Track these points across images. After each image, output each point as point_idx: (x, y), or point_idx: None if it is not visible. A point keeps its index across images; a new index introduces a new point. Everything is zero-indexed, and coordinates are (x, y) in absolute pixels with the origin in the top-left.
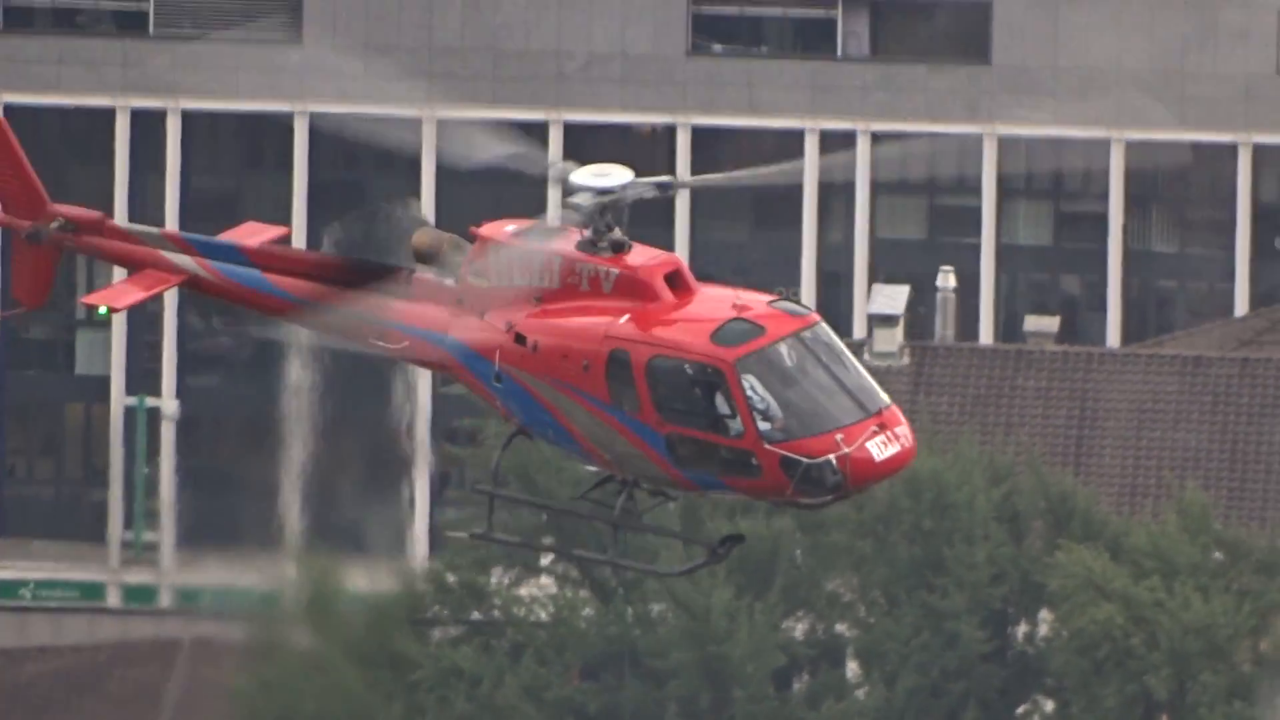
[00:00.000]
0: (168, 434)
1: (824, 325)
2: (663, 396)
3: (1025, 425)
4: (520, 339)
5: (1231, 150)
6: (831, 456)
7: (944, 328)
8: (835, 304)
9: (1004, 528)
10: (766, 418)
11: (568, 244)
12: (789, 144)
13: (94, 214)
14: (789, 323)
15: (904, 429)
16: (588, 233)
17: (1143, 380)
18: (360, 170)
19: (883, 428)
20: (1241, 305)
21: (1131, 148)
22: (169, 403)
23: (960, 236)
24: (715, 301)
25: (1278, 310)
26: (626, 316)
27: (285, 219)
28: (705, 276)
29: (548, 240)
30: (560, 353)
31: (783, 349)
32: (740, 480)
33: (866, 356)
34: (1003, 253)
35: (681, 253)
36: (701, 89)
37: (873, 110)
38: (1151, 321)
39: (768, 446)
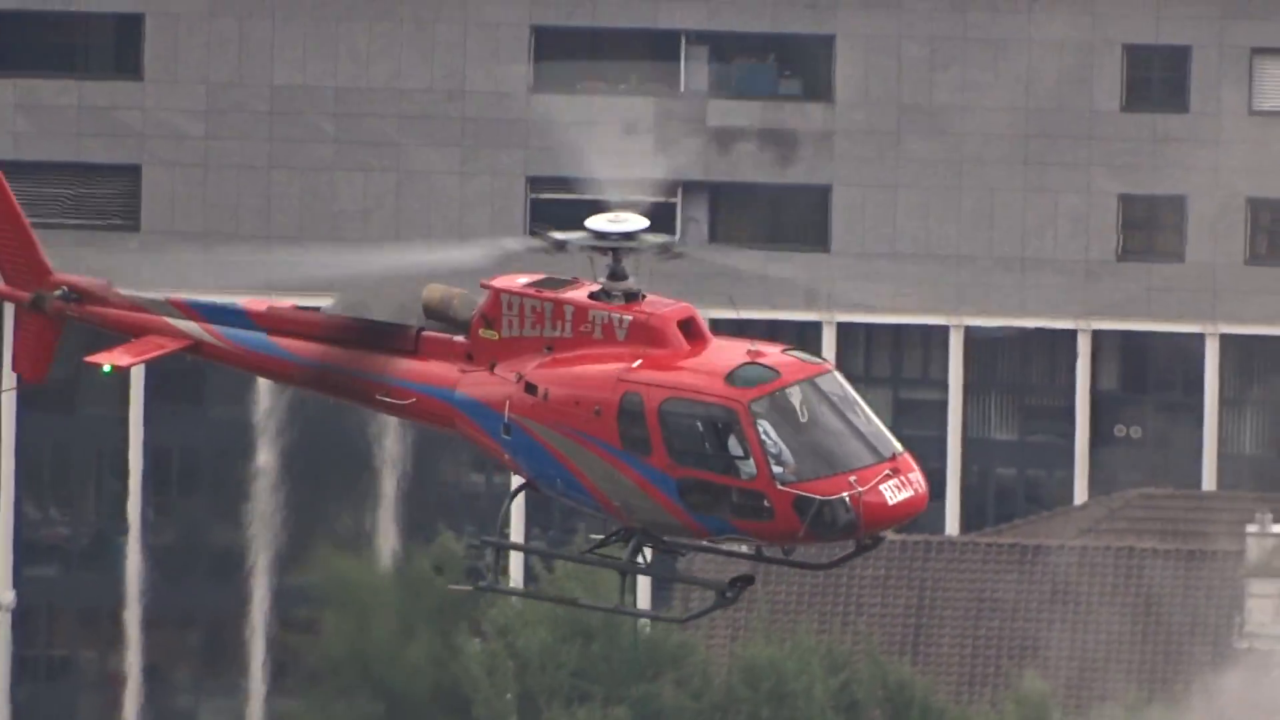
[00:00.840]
0: (2, 624)
1: (837, 374)
2: (675, 439)
3: (864, 614)
4: (530, 388)
5: (1071, 336)
6: (845, 495)
7: None
8: None
9: (842, 716)
10: (779, 460)
11: (580, 293)
12: None
13: (99, 281)
14: (803, 369)
15: (917, 475)
16: (601, 281)
17: (981, 569)
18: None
19: (896, 472)
20: (1081, 493)
21: (971, 333)
22: (4, 593)
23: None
24: (729, 349)
25: (1117, 499)
26: (640, 361)
27: (125, 412)
28: None
29: (559, 291)
30: (572, 399)
31: (796, 393)
32: (752, 524)
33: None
34: (970, 447)
35: None
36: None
37: (711, 297)
38: (990, 510)
39: (780, 488)
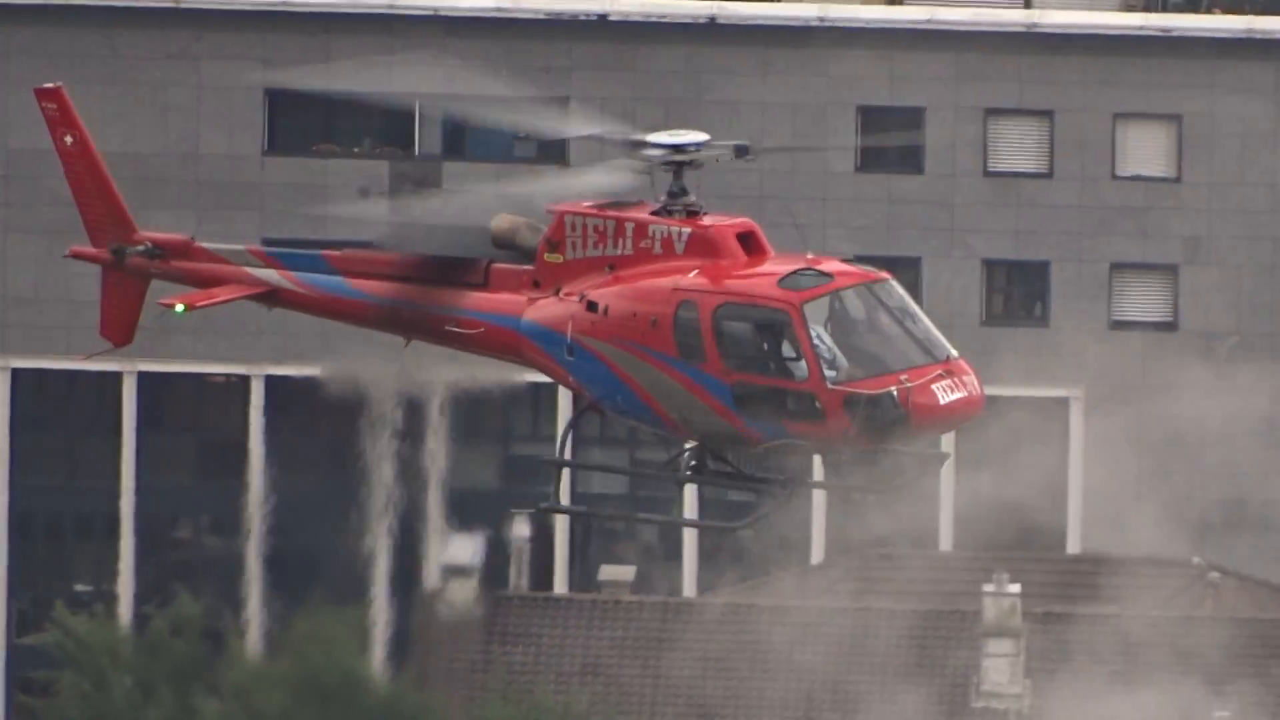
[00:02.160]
0: None
1: (894, 282)
2: (729, 344)
3: (601, 674)
4: (592, 306)
5: None
6: (893, 389)
7: (518, 577)
8: (410, 555)
9: None
10: (831, 363)
11: (642, 211)
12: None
13: (181, 237)
14: (858, 275)
15: (971, 379)
16: (662, 198)
17: (719, 628)
18: None
19: (950, 374)
20: (819, 553)
21: None
22: None
23: (535, 486)
24: (788, 260)
25: (855, 558)
26: (696, 271)
27: None
28: None
29: (621, 210)
30: (630, 313)
31: (850, 296)
32: (804, 425)
33: (441, 607)
34: (576, 501)
35: None
36: (276, 339)
37: (445, 361)
38: (728, 569)
39: (831, 388)
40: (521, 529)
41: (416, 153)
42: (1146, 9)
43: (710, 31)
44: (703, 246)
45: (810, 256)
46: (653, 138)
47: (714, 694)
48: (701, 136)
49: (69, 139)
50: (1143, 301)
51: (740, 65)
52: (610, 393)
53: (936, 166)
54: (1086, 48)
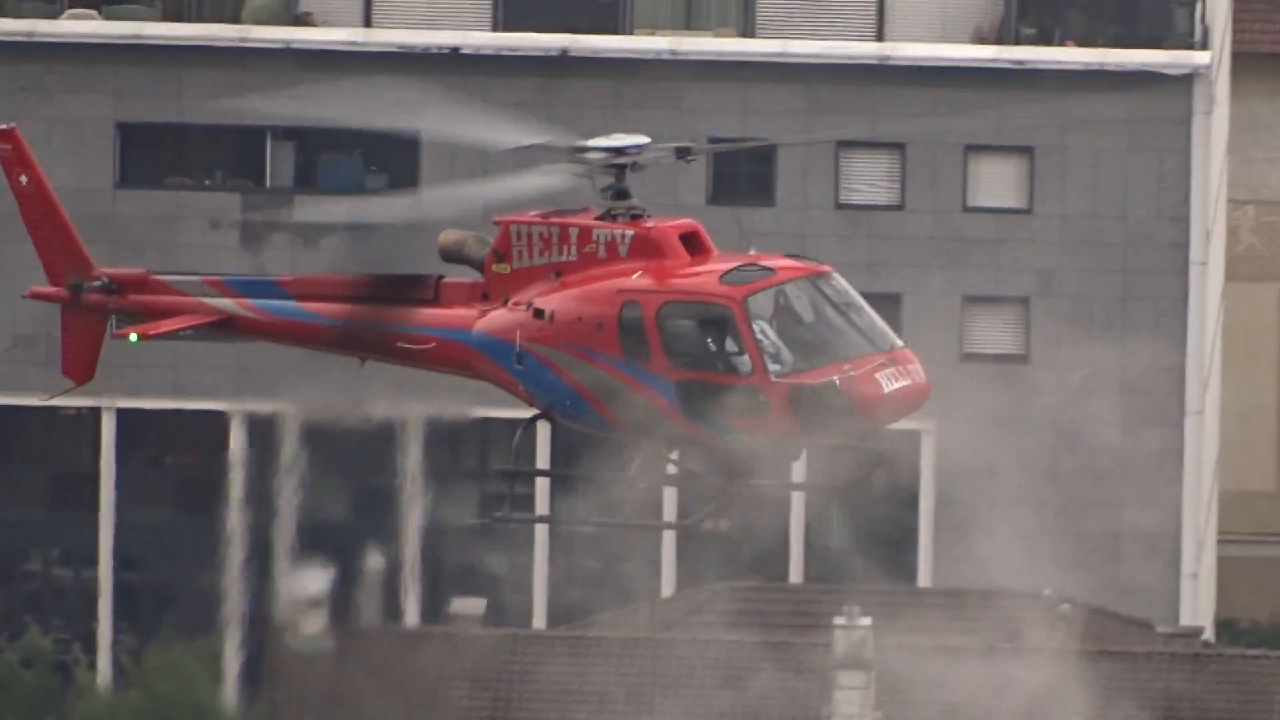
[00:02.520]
0: None
1: (837, 274)
2: (673, 342)
3: (449, 708)
4: (539, 313)
5: None
6: (835, 378)
7: (369, 609)
8: (261, 586)
9: None
10: (775, 358)
11: (586, 217)
12: (213, 423)
13: (138, 271)
14: (800, 269)
15: (916, 367)
16: (605, 203)
17: (569, 662)
18: None
19: (893, 362)
20: (669, 586)
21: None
22: None
23: (384, 516)
24: (732, 257)
25: (705, 591)
26: (639, 273)
27: None
28: None
29: (566, 217)
30: (575, 316)
31: (792, 289)
32: (750, 420)
33: (291, 639)
34: (430, 529)
35: None
36: (128, 372)
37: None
38: (578, 603)
39: (774, 380)
40: (373, 560)
41: (268, 184)
42: (999, 42)
43: (562, 64)
44: (646, 248)
45: (753, 253)
46: (593, 142)
47: None
48: (642, 139)
49: (24, 179)
50: (994, 334)
51: (593, 98)
52: (559, 399)
53: (788, 198)
54: (938, 80)
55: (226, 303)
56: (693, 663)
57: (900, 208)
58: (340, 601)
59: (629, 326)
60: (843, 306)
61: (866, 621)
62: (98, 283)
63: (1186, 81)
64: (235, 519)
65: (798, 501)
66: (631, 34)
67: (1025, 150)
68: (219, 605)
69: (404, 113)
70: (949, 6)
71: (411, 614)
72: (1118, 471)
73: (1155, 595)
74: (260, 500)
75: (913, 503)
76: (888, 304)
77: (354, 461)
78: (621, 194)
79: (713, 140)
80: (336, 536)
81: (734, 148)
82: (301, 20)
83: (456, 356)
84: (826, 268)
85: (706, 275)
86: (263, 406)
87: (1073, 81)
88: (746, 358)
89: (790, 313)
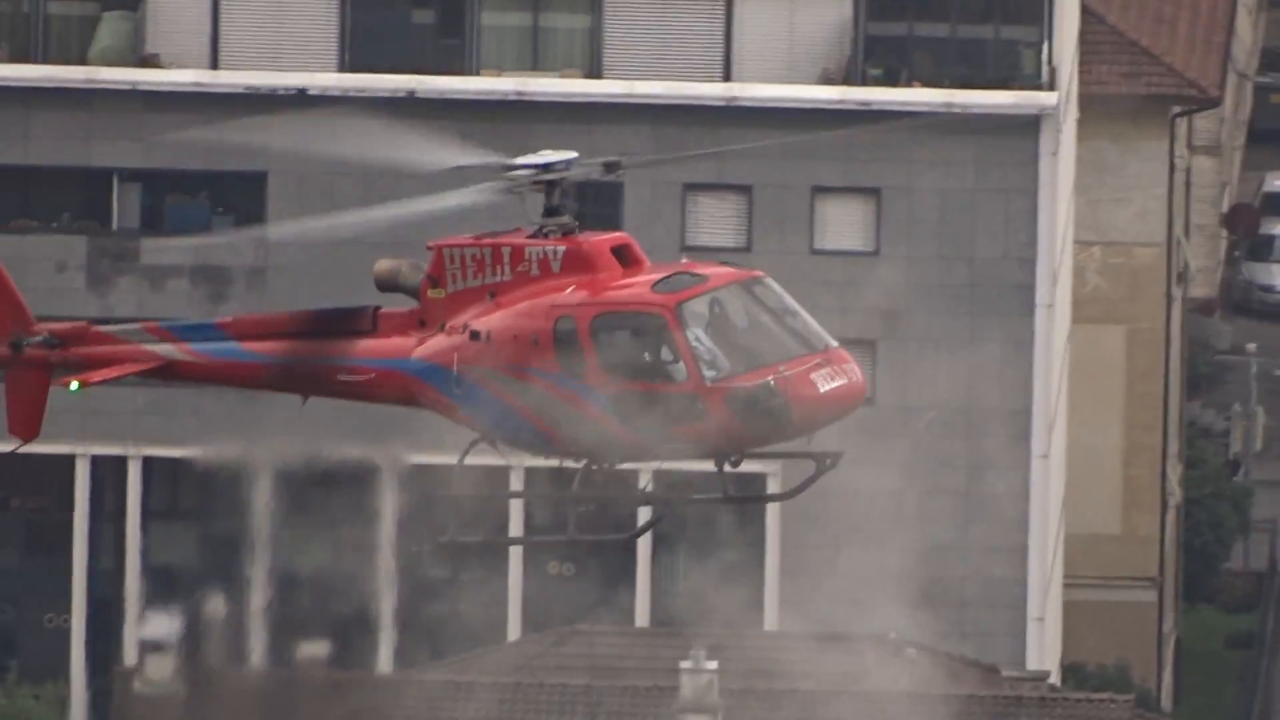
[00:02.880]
0: None
1: (770, 279)
2: (608, 354)
3: None
4: (475, 335)
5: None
6: (770, 379)
7: (215, 653)
8: (107, 631)
9: None
10: (710, 364)
11: (517, 236)
12: (60, 466)
13: (79, 324)
14: (732, 274)
15: (852, 366)
16: (537, 220)
17: (414, 705)
18: None
19: (828, 362)
20: (515, 629)
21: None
22: None
23: (231, 560)
24: (664, 267)
25: (550, 635)
26: (573, 287)
27: None
28: None
29: (498, 237)
30: (511, 335)
31: (725, 295)
32: (689, 429)
33: (138, 683)
34: (277, 574)
35: None
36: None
37: (145, 434)
38: (424, 646)
39: (710, 386)
40: (218, 606)
41: (114, 227)
42: (845, 83)
43: (409, 105)
44: (579, 263)
45: (685, 261)
46: (520, 160)
47: None
48: (569, 154)
49: None
50: None
51: (438, 140)
52: (499, 421)
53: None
54: (785, 121)
55: (167, 348)
56: (539, 706)
57: (747, 249)
58: (188, 645)
59: (564, 341)
60: (776, 310)
61: (712, 665)
62: (38, 338)
63: (1033, 123)
64: (81, 562)
65: (644, 544)
66: (478, 75)
67: (872, 191)
68: (65, 649)
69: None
70: (796, 48)
71: (258, 657)
72: (964, 514)
73: (1001, 639)
74: (108, 544)
75: (759, 544)
76: None
77: (202, 504)
78: (552, 211)
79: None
80: (184, 580)
81: (657, 161)
82: (148, 62)
83: (397, 386)
84: (759, 273)
85: (639, 285)
86: (109, 449)
87: (919, 122)
88: (682, 365)
89: (724, 318)
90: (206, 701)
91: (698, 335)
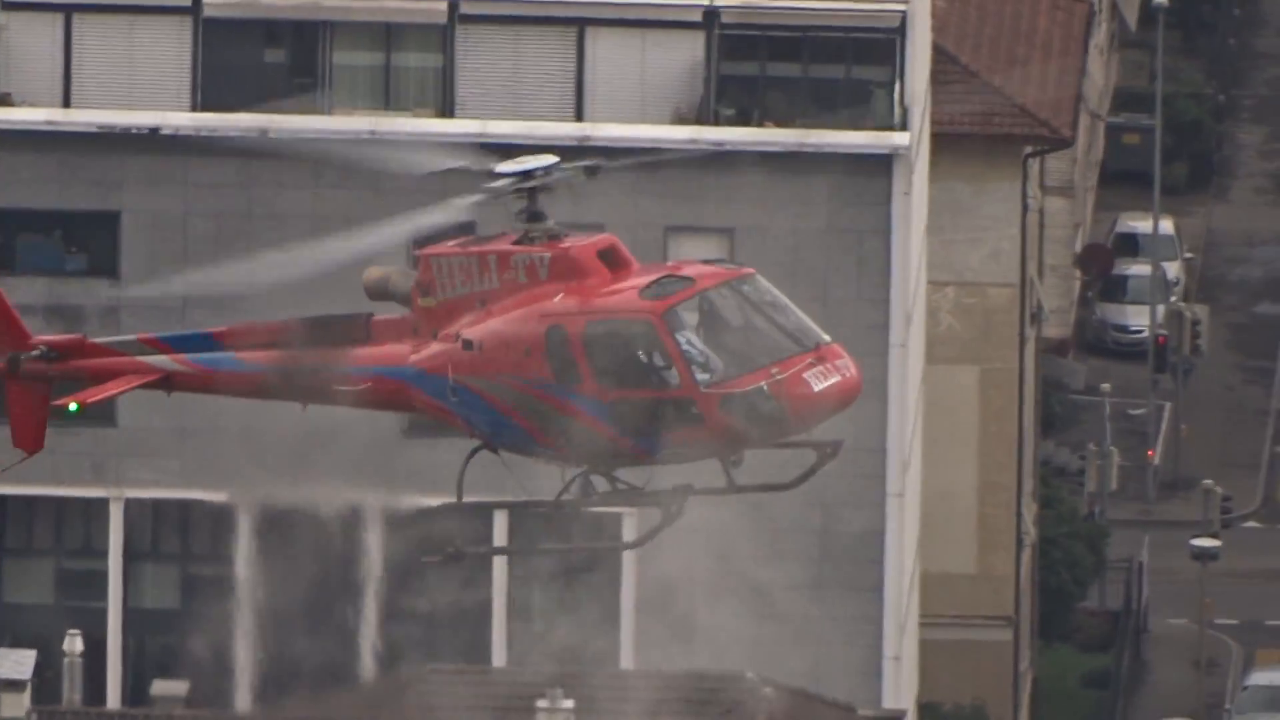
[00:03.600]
0: None
1: (759, 277)
2: (600, 362)
3: None
4: (467, 345)
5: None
6: (763, 383)
7: (71, 691)
8: None
9: None
10: (703, 367)
11: (503, 242)
12: None
13: (74, 337)
14: (720, 274)
15: (845, 362)
16: (520, 227)
17: None
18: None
19: (820, 360)
20: (369, 669)
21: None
22: None
23: (86, 600)
24: (651, 270)
25: (406, 675)
26: (561, 295)
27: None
28: None
29: (483, 244)
30: (503, 345)
31: (713, 296)
32: (686, 434)
33: None
34: (130, 616)
35: None
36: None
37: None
38: (283, 684)
39: (704, 391)
40: (74, 644)
41: None
42: (698, 122)
43: (264, 144)
44: (566, 268)
45: (671, 264)
46: (500, 166)
47: None
48: (550, 159)
49: None
50: None
51: (292, 179)
52: (497, 429)
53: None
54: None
55: (163, 360)
56: None
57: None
58: (42, 684)
59: (556, 350)
60: (766, 308)
61: (569, 704)
62: (35, 352)
63: (886, 162)
64: None
65: (500, 578)
66: (330, 114)
67: (725, 231)
68: None
69: (104, 193)
70: (648, 87)
71: (114, 697)
72: (819, 553)
73: (857, 678)
74: None
75: (615, 584)
76: None
77: (56, 541)
78: (536, 216)
79: None
80: (39, 617)
81: (639, 161)
82: (0, 100)
83: (394, 394)
84: (748, 270)
85: (626, 292)
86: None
87: (772, 162)
88: (674, 370)
89: (714, 319)
90: None
91: (689, 339)
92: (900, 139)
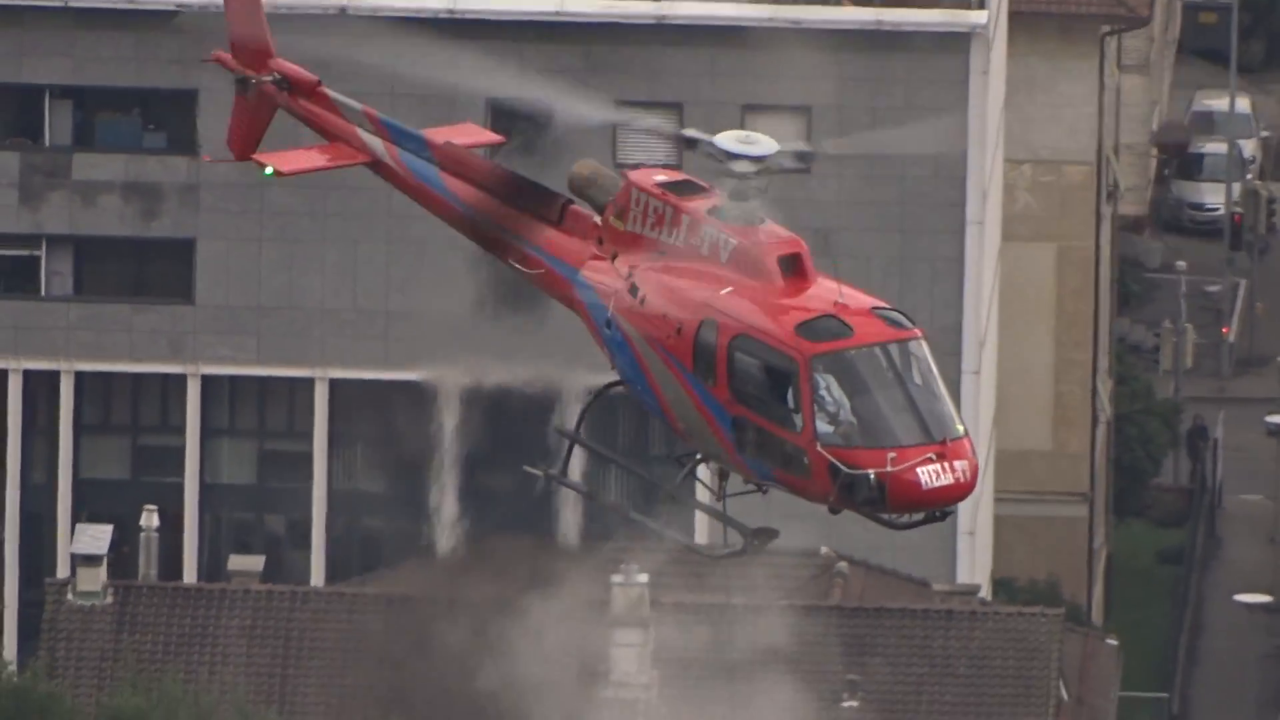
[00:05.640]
0: None
1: (922, 343)
2: (737, 376)
3: (230, 664)
4: (633, 290)
5: (434, 391)
6: (871, 472)
7: (148, 567)
8: (39, 544)
9: None
10: (829, 420)
11: (705, 203)
12: None
13: (311, 76)
14: (882, 331)
15: (964, 464)
16: (725, 198)
17: (348, 618)
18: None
19: (941, 457)
20: (445, 541)
21: (336, 386)
22: None
23: (163, 475)
24: (819, 297)
25: (485, 546)
26: (730, 289)
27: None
28: None
29: (685, 197)
30: (660, 312)
31: (864, 355)
32: (790, 477)
33: (70, 595)
34: (206, 491)
35: None
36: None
37: (77, 350)
38: (356, 560)
39: (820, 449)
40: (150, 519)
41: (47, 143)
42: (775, 1)
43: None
44: (744, 261)
45: (840, 299)
46: (720, 143)
47: (345, 682)
48: (772, 146)
49: None
50: None
51: (371, 48)
52: (634, 379)
53: (570, 160)
54: (715, 40)
55: (377, 145)
56: (468, 620)
57: (678, 167)
58: (119, 559)
59: (702, 346)
60: (912, 381)
61: (644, 578)
62: (270, 76)
63: (963, 40)
64: (14, 477)
65: (577, 457)
66: None
67: (803, 109)
68: None
69: (182, 69)
70: None
71: (190, 571)
72: None
73: (932, 553)
74: (40, 458)
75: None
76: None
77: (132, 419)
78: (741, 194)
79: (492, 101)
80: (116, 493)
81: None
82: None
83: (562, 290)
84: (915, 333)
85: (786, 317)
86: (42, 364)
87: (849, 40)
88: (800, 416)
89: (856, 378)
90: (138, 613)
91: (826, 389)
92: (978, 17)
